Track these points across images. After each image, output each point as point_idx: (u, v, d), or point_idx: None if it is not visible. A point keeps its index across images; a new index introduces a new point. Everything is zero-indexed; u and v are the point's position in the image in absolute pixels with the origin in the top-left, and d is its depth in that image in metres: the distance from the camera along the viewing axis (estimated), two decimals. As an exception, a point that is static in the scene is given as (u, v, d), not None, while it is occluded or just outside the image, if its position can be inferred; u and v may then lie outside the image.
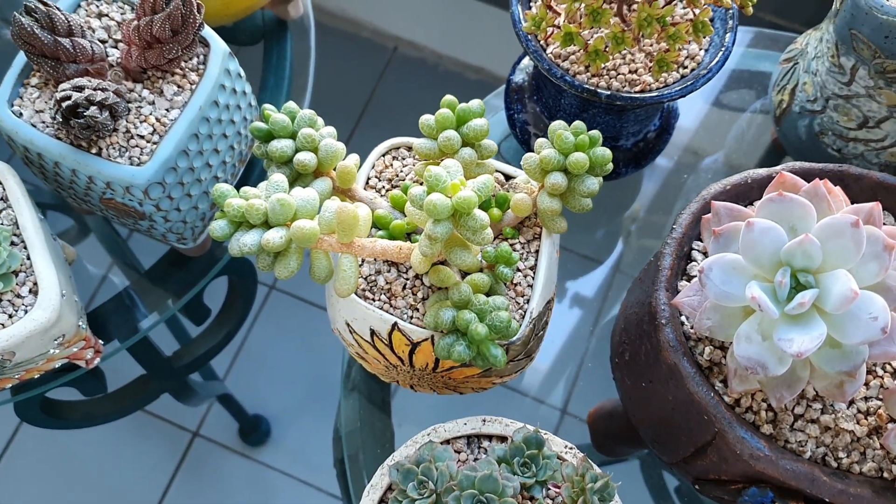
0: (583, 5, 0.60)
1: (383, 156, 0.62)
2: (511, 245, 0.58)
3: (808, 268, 0.45)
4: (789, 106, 0.72)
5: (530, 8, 0.67)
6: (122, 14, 0.66)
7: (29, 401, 0.75)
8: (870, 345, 0.44)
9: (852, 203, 0.49)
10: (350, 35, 1.11)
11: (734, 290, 0.46)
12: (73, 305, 0.62)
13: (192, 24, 0.60)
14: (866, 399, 0.51)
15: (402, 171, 0.61)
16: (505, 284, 0.56)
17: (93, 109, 0.57)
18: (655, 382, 0.54)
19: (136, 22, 0.61)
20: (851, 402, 0.51)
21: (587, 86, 0.64)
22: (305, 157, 0.55)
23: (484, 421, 0.55)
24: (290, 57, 0.88)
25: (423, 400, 0.76)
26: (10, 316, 0.58)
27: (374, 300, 0.56)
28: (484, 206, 0.56)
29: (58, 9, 0.59)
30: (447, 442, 0.55)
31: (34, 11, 0.58)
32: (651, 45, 0.66)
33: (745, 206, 0.55)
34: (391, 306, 0.56)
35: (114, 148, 0.61)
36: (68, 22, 0.59)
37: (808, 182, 0.48)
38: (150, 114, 0.62)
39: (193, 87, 0.64)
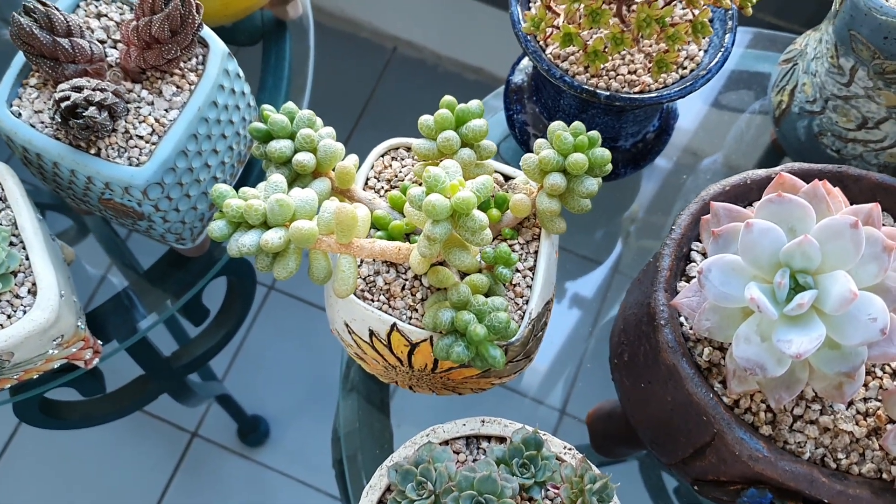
0: (582, 6, 0.60)
1: (382, 156, 0.62)
2: (510, 246, 0.58)
3: (807, 269, 0.45)
4: (788, 107, 0.72)
5: (529, 8, 0.67)
6: (121, 14, 0.66)
7: (28, 401, 0.75)
8: (869, 346, 0.44)
9: (851, 204, 0.49)
10: (349, 35, 1.11)
11: (733, 291, 0.46)
12: (71, 306, 0.62)
13: (191, 24, 0.60)
14: (865, 400, 0.51)
15: (401, 172, 0.61)
16: (504, 285, 0.56)
17: (91, 110, 0.57)
18: (654, 383, 0.54)
19: (135, 22, 0.60)
20: (850, 403, 0.51)
21: (586, 86, 0.64)
22: (304, 158, 0.55)
23: (483, 422, 0.55)
24: (289, 57, 0.88)
25: (421, 400, 0.76)
26: (9, 316, 0.58)
27: (372, 301, 0.56)
28: (483, 207, 0.56)
29: (57, 9, 0.59)
30: (446, 443, 0.55)
31: (33, 11, 0.58)
32: (650, 46, 0.66)
33: (745, 207, 0.55)
34: (390, 307, 0.56)
35: (112, 148, 0.61)
36: (67, 22, 0.59)
37: (808, 183, 0.48)
38: (149, 114, 0.62)
39: (192, 87, 0.64)
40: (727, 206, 0.50)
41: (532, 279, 0.57)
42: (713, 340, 0.52)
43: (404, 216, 0.56)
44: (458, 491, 0.47)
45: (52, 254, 0.62)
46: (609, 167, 0.55)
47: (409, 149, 0.62)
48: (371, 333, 0.56)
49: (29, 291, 0.59)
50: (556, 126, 0.55)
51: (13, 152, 0.64)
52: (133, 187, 0.60)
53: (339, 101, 1.06)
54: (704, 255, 0.55)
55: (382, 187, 0.61)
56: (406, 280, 0.56)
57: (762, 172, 0.57)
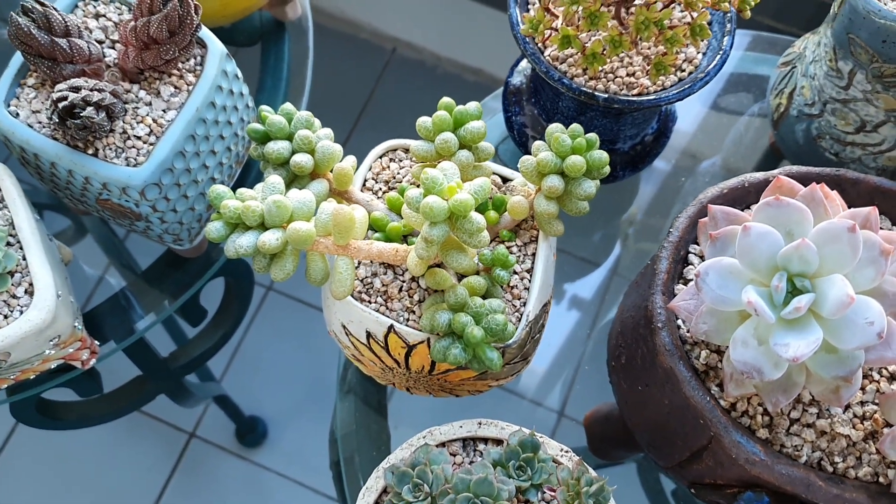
0: (580, 8, 0.60)
1: (380, 158, 0.62)
2: (508, 248, 0.58)
3: (805, 272, 0.45)
4: (787, 110, 0.72)
5: (528, 10, 0.67)
6: (119, 15, 0.66)
7: (24, 401, 0.75)
8: (866, 350, 0.44)
9: (849, 207, 0.49)
10: (349, 36, 1.11)
11: (730, 294, 0.46)
12: (68, 306, 0.62)
13: (189, 25, 0.60)
14: (862, 403, 0.51)
15: (399, 174, 0.61)
16: (501, 287, 0.56)
17: (89, 110, 0.57)
18: (651, 386, 0.54)
19: (133, 23, 0.60)
20: (847, 407, 0.51)
21: (584, 89, 0.64)
22: (302, 159, 0.55)
23: (480, 424, 0.55)
24: (288, 58, 0.88)
25: (419, 402, 0.76)
26: (6, 317, 0.58)
27: (370, 302, 0.56)
28: (481, 209, 0.56)
29: (55, 9, 0.59)
30: (443, 445, 0.55)
31: (31, 11, 0.58)
32: (649, 49, 0.66)
33: (742, 210, 0.55)
34: (387, 309, 0.56)
35: (110, 149, 0.61)
36: (65, 22, 0.59)
37: (805, 186, 0.48)
38: (147, 115, 0.62)
39: (190, 88, 0.63)
40: (725, 210, 0.50)
41: (530, 281, 0.57)
42: (710, 344, 0.52)
43: (402, 218, 0.56)
44: (454, 493, 0.47)
45: (50, 254, 0.62)
46: (607, 170, 0.55)
47: (407, 150, 0.62)
48: (368, 335, 0.56)
49: (26, 291, 0.59)
50: (554, 128, 0.55)
51: (11, 152, 0.64)
52: (130, 188, 0.60)
53: (339, 102, 1.05)
54: (702, 258, 0.55)
55: (380, 189, 0.60)
56: (403, 282, 0.56)
57: (760, 175, 0.57)
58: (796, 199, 0.46)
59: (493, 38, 1.11)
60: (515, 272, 0.57)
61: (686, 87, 0.64)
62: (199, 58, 0.65)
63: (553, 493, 0.51)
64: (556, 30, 0.63)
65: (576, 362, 0.79)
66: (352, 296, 0.55)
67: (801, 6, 1.05)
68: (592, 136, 0.55)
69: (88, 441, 0.87)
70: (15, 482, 0.85)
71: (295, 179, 0.56)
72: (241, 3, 0.78)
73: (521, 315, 0.55)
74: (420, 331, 0.54)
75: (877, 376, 0.52)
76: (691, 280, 0.54)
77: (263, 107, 0.57)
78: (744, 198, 0.57)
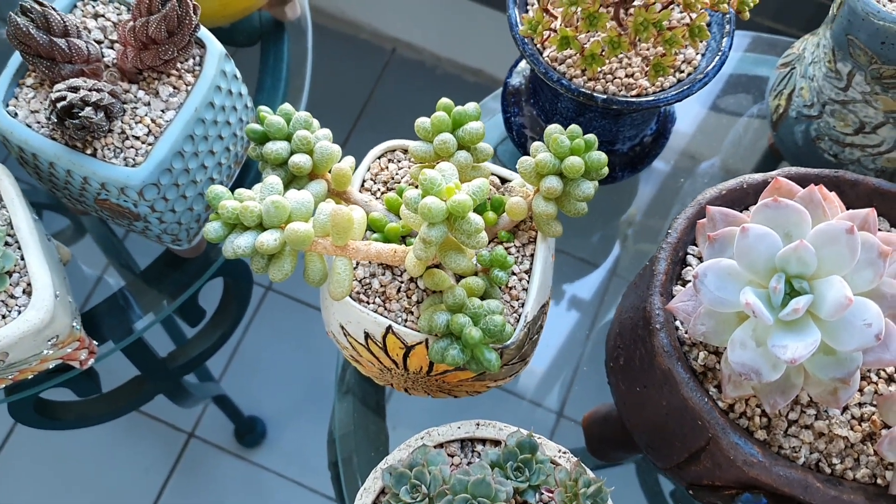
0: (579, 9, 0.60)
1: (379, 158, 0.62)
2: (506, 248, 0.58)
3: (803, 274, 0.45)
4: (786, 111, 0.72)
5: (527, 11, 0.67)
6: (118, 15, 0.66)
7: (22, 401, 0.75)
8: (864, 351, 0.44)
9: (848, 209, 0.48)
10: (349, 37, 1.11)
11: (728, 295, 0.46)
12: (66, 306, 0.62)
13: (188, 25, 0.60)
14: (860, 405, 0.51)
15: (397, 174, 0.61)
16: (500, 288, 0.56)
17: (88, 110, 0.57)
18: (650, 387, 0.54)
19: (132, 23, 0.60)
20: (845, 408, 0.51)
21: (583, 89, 0.64)
22: (300, 160, 0.54)
23: (478, 425, 0.55)
24: (287, 58, 0.88)
25: (418, 403, 0.76)
26: (4, 317, 0.58)
27: (368, 303, 0.56)
28: (479, 210, 0.56)
29: (53, 9, 0.59)
30: (441, 446, 0.55)
31: (30, 11, 0.58)
32: (648, 50, 0.66)
33: (741, 212, 0.55)
34: (385, 309, 0.56)
35: (109, 149, 0.61)
36: (64, 22, 0.59)
37: (804, 188, 0.48)
38: (146, 115, 0.62)
39: (189, 88, 0.63)
40: (723, 211, 0.50)
41: (528, 282, 0.57)
42: (708, 345, 0.52)
43: (400, 218, 0.56)
44: (451, 494, 0.47)
45: (48, 254, 0.62)
46: (605, 171, 0.55)
47: (406, 151, 0.62)
48: (366, 336, 0.56)
49: (24, 292, 0.59)
50: (553, 129, 0.55)
51: (9, 152, 0.64)
52: (129, 188, 0.60)
53: (338, 102, 1.06)
54: (700, 260, 0.55)
55: (379, 189, 0.60)
56: (402, 282, 0.56)
57: (759, 177, 0.57)
58: (795, 201, 0.46)
59: (493, 39, 1.11)
60: (514, 273, 0.57)
61: (685, 88, 0.64)
62: (197, 58, 0.65)
63: (551, 495, 0.51)
64: (555, 31, 0.62)
65: (575, 363, 0.79)
66: (350, 296, 0.55)
67: (801, 7, 1.05)
68: (591, 137, 0.55)
69: (87, 441, 0.87)
70: (13, 482, 0.85)
71: (293, 180, 0.56)
72: (241, 3, 0.78)
73: (520, 316, 0.55)
74: (418, 331, 0.54)
75: (875, 378, 0.52)
76: (690, 281, 0.54)
77: (262, 107, 0.57)
78: (742, 199, 0.56)
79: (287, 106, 0.57)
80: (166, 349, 0.83)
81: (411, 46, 1.11)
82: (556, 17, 0.63)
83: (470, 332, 0.50)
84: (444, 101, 0.57)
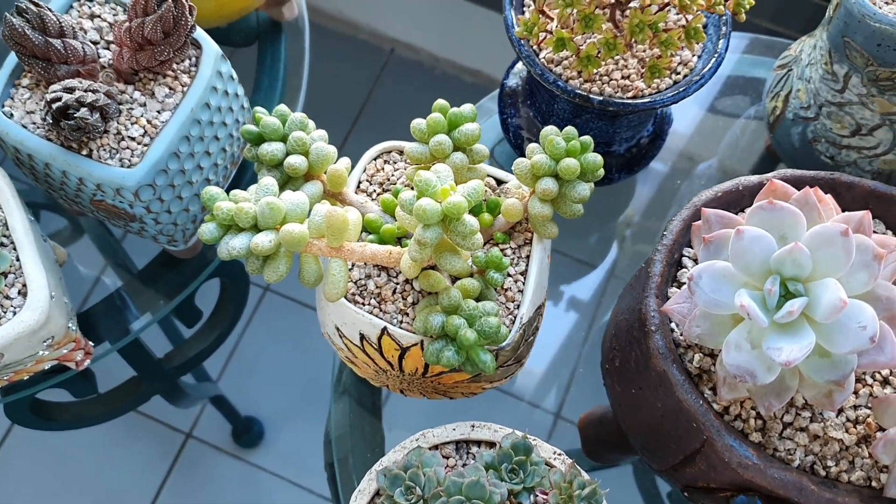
0: (575, 11, 0.59)
1: (375, 159, 0.62)
2: (502, 250, 0.58)
3: (798, 276, 0.45)
4: (783, 113, 0.72)
5: (523, 12, 0.67)
6: (114, 15, 0.66)
7: (18, 402, 0.75)
8: (858, 354, 0.44)
9: (844, 211, 0.48)
10: (347, 37, 1.11)
11: (723, 297, 0.46)
12: (62, 307, 0.62)
13: (184, 26, 0.60)
14: (855, 408, 0.51)
15: (393, 175, 0.61)
16: (495, 290, 0.56)
17: (83, 111, 0.57)
18: (645, 389, 0.54)
19: (128, 23, 0.60)
20: (840, 411, 0.51)
21: (579, 91, 0.64)
22: (296, 161, 0.54)
23: (473, 426, 0.55)
24: (285, 59, 0.88)
25: (415, 404, 0.76)
26: (-1, 317, 0.58)
27: (363, 304, 0.56)
28: (475, 211, 0.56)
29: (49, 10, 0.59)
30: (436, 447, 0.55)
31: (25, 12, 0.58)
32: (644, 51, 0.66)
33: (736, 214, 0.55)
34: (381, 311, 0.56)
35: (104, 150, 0.61)
36: (60, 23, 0.59)
37: (800, 190, 0.48)
38: (142, 116, 0.62)
39: (185, 89, 0.63)
40: (718, 213, 0.50)
41: (524, 284, 0.57)
42: (704, 347, 0.52)
43: (396, 220, 0.56)
44: (446, 496, 0.47)
45: (44, 255, 0.62)
46: (601, 172, 0.55)
47: (402, 152, 0.62)
48: (362, 337, 0.56)
49: (19, 292, 0.59)
50: (549, 131, 0.55)
51: (5, 153, 0.64)
52: (124, 189, 0.60)
53: (337, 102, 1.05)
54: (696, 262, 0.55)
55: (375, 191, 0.60)
56: (397, 284, 0.56)
57: (754, 179, 0.57)
58: (790, 203, 0.46)
59: (491, 40, 1.11)
60: (509, 274, 0.57)
61: (681, 89, 0.64)
62: (193, 59, 0.65)
63: (545, 496, 0.51)
64: (551, 32, 0.62)
65: (573, 364, 0.79)
66: (345, 298, 0.55)
67: (800, 8, 1.05)
68: (587, 138, 0.55)
69: (85, 441, 0.87)
70: (11, 483, 0.85)
71: (289, 181, 0.56)
72: (238, 3, 0.78)
73: (515, 317, 0.55)
74: (413, 333, 0.54)
75: (870, 380, 0.52)
76: (685, 283, 0.54)
77: (257, 108, 0.57)
78: (738, 201, 0.56)
79: (283, 107, 0.57)
80: (163, 350, 0.83)
81: (410, 47, 1.11)
82: (552, 19, 0.63)
83: (465, 334, 0.50)
84: (440, 102, 0.57)
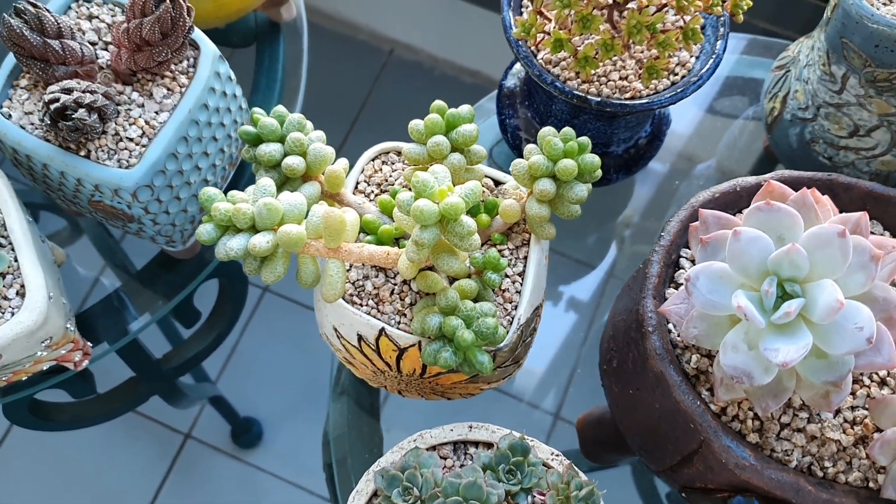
0: (573, 12, 0.60)
1: (372, 160, 0.62)
2: (499, 251, 0.58)
3: (795, 277, 0.45)
4: (781, 114, 0.72)
5: (521, 13, 0.67)
6: (112, 16, 0.66)
7: (17, 403, 0.75)
8: (855, 355, 0.44)
9: (841, 212, 0.48)
10: (346, 38, 1.11)
11: (721, 298, 0.46)
12: (60, 308, 0.62)
13: (182, 27, 0.60)
14: (853, 408, 0.51)
15: (391, 176, 0.61)
16: (493, 290, 0.56)
17: (81, 112, 0.57)
18: (642, 390, 0.54)
19: (126, 24, 0.60)
20: (838, 412, 0.51)
21: (577, 92, 0.64)
22: (294, 162, 0.54)
23: (470, 427, 0.55)
24: (283, 59, 0.88)
25: (413, 404, 0.76)
26: (-3, 318, 0.58)
27: (361, 305, 0.56)
28: (473, 212, 0.56)
29: (47, 10, 0.59)
30: (433, 448, 0.55)
31: (24, 13, 0.58)
32: (641, 52, 0.66)
33: (734, 215, 0.55)
34: (379, 312, 0.56)
35: (102, 150, 0.61)
36: (58, 24, 0.59)
37: (797, 191, 0.48)
38: (140, 116, 0.62)
39: (183, 89, 0.63)
40: (716, 214, 0.50)
41: (521, 285, 0.57)
42: (701, 348, 0.52)
43: (394, 221, 0.56)
44: (443, 497, 0.47)
45: (42, 255, 0.62)
46: (599, 173, 0.55)
47: (399, 153, 0.62)
48: (360, 338, 0.56)
49: (17, 293, 0.59)
50: (547, 132, 0.55)
51: (4, 154, 0.64)
52: (122, 189, 0.60)
53: (336, 103, 1.05)
54: (693, 262, 0.55)
55: (372, 191, 0.60)
56: (395, 285, 0.56)
57: (752, 180, 0.57)
58: (787, 204, 0.46)
59: (490, 40, 1.10)
60: (507, 275, 0.57)
61: (679, 90, 0.64)
62: (191, 59, 0.65)
63: (543, 497, 0.51)
64: (549, 33, 0.62)
65: (572, 365, 0.79)
66: (343, 299, 0.55)
67: (798, 9, 1.05)
68: (584, 139, 0.55)
69: (84, 442, 0.87)
70: (11, 483, 0.85)
71: (287, 182, 0.56)
72: (236, 4, 0.78)
73: (513, 318, 0.55)
74: (411, 334, 0.54)
75: (867, 381, 0.52)
76: (682, 284, 0.54)
77: (255, 109, 0.57)
78: (735, 202, 0.56)
79: (280, 108, 0.57)
80: (162, 350, 0.83)
81: (409, 47, 1.11)
82: (549, 20, 0.63)
83: (462, 335, 0.50)
84: (438, 103, 0.57)
